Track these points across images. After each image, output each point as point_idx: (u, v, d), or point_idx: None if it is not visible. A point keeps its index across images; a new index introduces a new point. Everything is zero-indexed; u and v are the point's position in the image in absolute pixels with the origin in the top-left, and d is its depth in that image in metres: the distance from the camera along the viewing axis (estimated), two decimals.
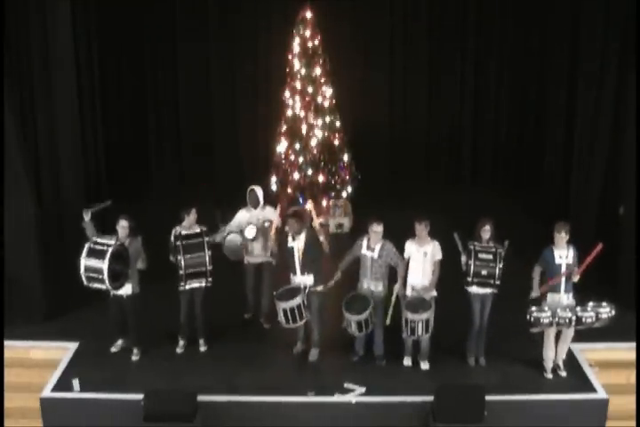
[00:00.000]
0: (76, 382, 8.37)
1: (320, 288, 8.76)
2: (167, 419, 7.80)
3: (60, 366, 8.84)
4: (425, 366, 8.84)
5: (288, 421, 8.17)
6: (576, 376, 8.69)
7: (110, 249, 8.18)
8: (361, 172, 13.11)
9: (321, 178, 12.70)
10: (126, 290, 8.64)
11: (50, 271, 9.84)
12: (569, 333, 8.55)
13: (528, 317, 8.27)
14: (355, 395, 8.34)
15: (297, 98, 12.60)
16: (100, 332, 9.09)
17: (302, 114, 12.62)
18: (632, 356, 9.01)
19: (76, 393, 8.34)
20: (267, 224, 9.30)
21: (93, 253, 8.19)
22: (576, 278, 8.34)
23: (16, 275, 9.64)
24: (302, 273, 8.72)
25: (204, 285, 8.81)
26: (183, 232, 8.71)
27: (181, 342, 9.17)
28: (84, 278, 8.25)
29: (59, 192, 10.74)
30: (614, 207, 10.57)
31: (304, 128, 12.62)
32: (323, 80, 12.66)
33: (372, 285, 8.66)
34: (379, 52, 14.43)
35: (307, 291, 8.65)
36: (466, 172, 15.03)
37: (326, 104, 12.71)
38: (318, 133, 12.66)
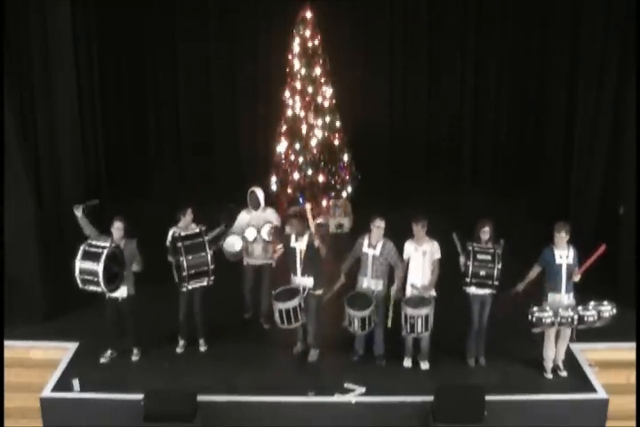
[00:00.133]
0: (76, 382, 8.37)
1: (319, 292, 8.76)
2: (167, 419, 7.80)
3: (59, 366, 8.84)
4: (425, 366, 8.84)
5: (288, 421, 8.16)
6: (576, 376, 8.69)
7: (105, 251, 8.15)
8: (361, 172, 13.12)
9: (321, 178, 12.71)
10: (121, 292, 8.62)
11: (50, 271, 9.83)
12: (567, 332, 8.56)
13: (530, 317, 8.26)
14: (355, 395, 8.34)
15: (297, 98, 12.62)
16: (99, 332, 9.07)
17: (302, 114, 12.63)
18: (632, 356, 9.01)
19: (76, 393, 8.33)
20: (267, 226, 9.28)
21: (88, 256, 8.16)
22: (577, 278, 8.34)
23: (16, 275, 9.64)
24: (303, 275, 8.71)
25: (205, 284, 8.79)
26: (182, 233, 8.69)
27: (181, 342, 9.17)
28: (78, 281, 8.22)
29: (59, 192, 10.74)
30: (614, 207, 10.57)
31: (304, 128, 12.63)
32: (323, 80, 12.67)
33: (372, 284, 8.65)
34: (379, 52, 14.43)
35: (305, 293, 8.65)
36: (466, 172, 15.03)
37: (326, 104, 12.73)
38: (318, 133, 12.67)
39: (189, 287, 8.72)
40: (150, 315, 9.38)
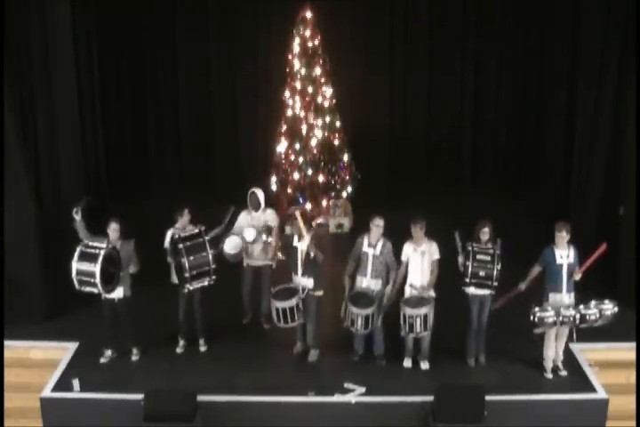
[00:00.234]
0: (76, 382, 8.37)
1: (319, 293, 8.75)
2: (167, 419, 7.80)
3: (59, 366, 8.84)
4: (425, 365, 8.84)
5: (288, 421, 8.16)
6: (576, 376, 8.69)
7: (102, 252, 8.14)
8: (361, 172, 13.11)
9: (321, 178, 12.71)
10: (118, 293, 8.62)
11: (50, 271, 9.84)
12: (565, 331, 8.56)
13: (531, 317, 8.25)
14: (355, 395, 8.34)
15: (297, 98, 12.61)
16: (99, 332, 9.06)
17: (302, 114, 12.62)
18: (632, 356, 9.01)
19: (76, 393, 8.34)
20: (271, 224, 9.26)
21: (85, 257, 8.15)
22: (578, 277, 8.34)
23: (16, 275, 9.64)
24: (303, 275, 8.71)
25: (206, 284, 8.78)
26: (182, 234, 8.65)
27: (181, 342, 9.17)
28: (75, 282, 8.21)
29: (59, 192, 10.75)
30: (614, 207, 10.57)
31: (304, 128, 12.63)
32: (323, 80, 12.66)
33: (372, 283, 8.65)
34: (379, 52, 14.42)
35: (305, 293, 8.64)
36: (466, 172, 15.02)
37: (326, 104, 12.72)
38: (318, 133, 12.66)
39: (191, 288, 8.70)
40: (150, 315, 9.38)
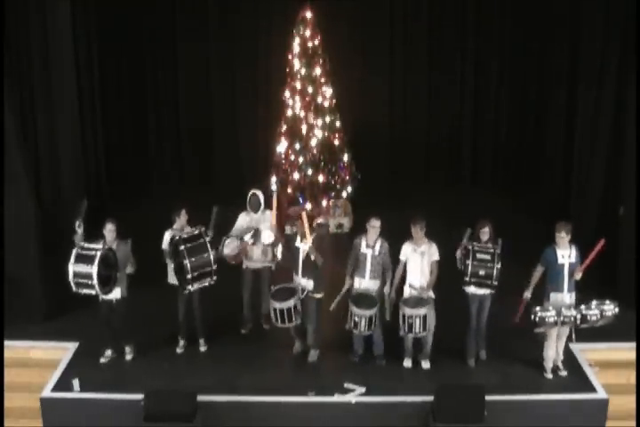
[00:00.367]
0: (75, 382, 8.37)
1: (319, 295, 8.74)
2: (167, 419, 7.80)
3: (59, 366, 8.84)
4: (426, 365, 8.84)
5: (288, 421, 8.17)
6: (576, 376, 8.69)
7: (99, 254, 8.14)
8: (361, 172, 13.10)
9: (321, 178, 12.70)
10: (115, 294, 8.61)
11: (50, 271, 9.83)
12: (565, 331, 8.56)
13: (532, 317, 8.25)
14: (355, 395, 8.34)
15: (297, 98, 12.60)
16: (99, 332, 9.06)
17: (302, 114, 12.61)
18: (632, 356, 9.01)
19: (76, 393, 8.34)
20: (267, 231, 9.23)
21: (81, 259, 8.14)
22: (578, 276, 8.34)
23: (16, 275, 9.64)
24: (303, 276, 8.70)
25: (207, 284, 8.76)
26: (184, 236, 8.57)
27: (181, 342, 9.17)
28: (72, 285, 8.21)
29: (59, 192, 10.76)
30: (614, 207, 10.57)
31: (304, 128, 12.62)
32: (323, 80, 12.65)
33: (370, 284, 8.65)
34: (379, 52, 14.42)
35: (304, 295, 8.64)
36: (466, 172, 15.02)
37: (326, 104, 12.71)
38: (318, 133, 12.65)
39: (192, 289, 8.68)
40: (150, 315, 9.37)
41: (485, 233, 8.49)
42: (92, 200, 8.97)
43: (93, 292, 8.27)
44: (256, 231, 9.17)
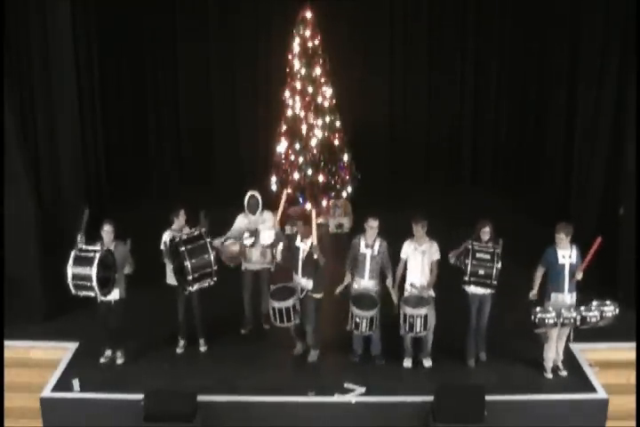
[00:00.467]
0: (75, 382, 8.37)
1: (318, 296, 8.74)
2: (167, 419, 7.80)
3: (59, 366, 8.84)
4: (428, 363, 8.84)
5: (288, 421, 8.17)
6: (576, 376, 8.69)
7: (97, 256, 8.13)
8: (361, 172, 13.10)
9: (321, 178, 12.69)
10: (114, 295, 8.60)
11: (50, 271, 9.82)
12: (565, 331, 8.56)
13: (532, 318, 8.25)
14: (355, 395, 8.34)
15: (297, 98, 12.59)
16: (99, 332, 9.07)
17: (302, 114, 12.61)
18: (632, 356, 9.01)
19: (76, 393, 8.34)
20: (268, 233, 9.21)
21: (80, 261, 8.14)
22: (579, 276, 8.34)
23: (16, 275, 9.64)
24: (303, 276, 8.70)
25: (207, 285, 8.75)
26: (184, 236, 8.55)
27: (181, 342, 9.17)
28: (71, 287, 8.20)
29: (59, 192, 10.75)
30: (614, 207, 10.57)
31: (304, 128, 12.62)
32: (323, 80, 12.65)
33: (370, 284, 8.65)
34: (379, 52, 14.43)
35: (304, 295, 8.63)
36: (466, 172, 15.02)
37: (326, 104, 12.70)
38: (318, 133, 12.65)
39: (192, 290, 8.67)
40: (149, 316, 9.37)
41: (486, 233, 8.49)
42: (92, 208, 8.92)
43: (92, 294, 8.26)
44: (255, 233, 9.16)
